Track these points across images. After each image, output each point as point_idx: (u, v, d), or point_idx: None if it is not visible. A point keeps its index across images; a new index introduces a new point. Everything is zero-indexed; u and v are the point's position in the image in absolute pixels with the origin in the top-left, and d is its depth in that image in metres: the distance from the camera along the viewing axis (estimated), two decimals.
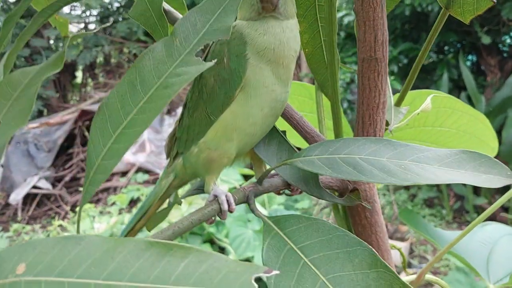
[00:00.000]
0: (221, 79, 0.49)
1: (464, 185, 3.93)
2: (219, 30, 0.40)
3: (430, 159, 0.46)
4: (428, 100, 0.63)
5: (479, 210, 3.78)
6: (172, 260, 0.30)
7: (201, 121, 0.51)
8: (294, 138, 0.64)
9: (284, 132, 0.59)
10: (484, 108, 3.75)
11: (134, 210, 3.37)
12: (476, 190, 3.91)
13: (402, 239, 3.28)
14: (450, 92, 4.04)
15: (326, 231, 0.43)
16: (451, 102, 0.79)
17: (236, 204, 0.51)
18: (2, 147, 0.39)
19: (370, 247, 0.40)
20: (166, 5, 0.66)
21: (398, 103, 0.63)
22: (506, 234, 1.00)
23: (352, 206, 0.61)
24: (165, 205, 0.63)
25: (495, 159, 0.46)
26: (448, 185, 4.08)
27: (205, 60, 0.49)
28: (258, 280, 0.29)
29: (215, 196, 0.50)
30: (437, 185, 4.24)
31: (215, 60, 0.41)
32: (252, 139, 0.53)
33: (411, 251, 3.38)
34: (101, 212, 4.21)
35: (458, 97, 4.07)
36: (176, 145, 0.55)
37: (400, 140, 0.48)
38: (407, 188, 4.38)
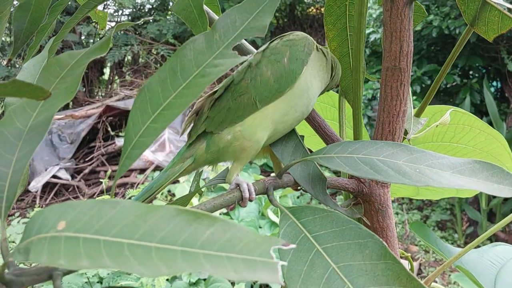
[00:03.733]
0: (278, 75, 0.55)
1: (479, 210, 3.89)
2: (256, 28, 0.44)
3: (444, 166, 0.49)
4: (447, 114, 0.65)
5: (491, 236, 3.73)
6: (199, 227, 0.33)
7: (246, 106, 0.55)
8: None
9: (302, 136, 0.62)
10: (506, 135, 3.71)
11: None
12: (490, 217, 3.86)
13: (412, 259, 3.25)
14: None
15: (340, 222, 0.45)
16: (470, 119, 0.81)
17: (256, 194, 0.54)
18: (50, 117, 0.42)
19: (381, 240, 0.42)
20: (204, 6, 0.70)
21: (418, 114, 0.66)
22: None
23: (365, 210, 0.63)
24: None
25: (507, 171, 0.48)
26: (462, 210, 4.04)
27: (263, 52, 0.57)
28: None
29: (237, 185, 0.53)
30: (451, 209, 4.20)
31: (250, 56, 0.47)
32: (276, 135, 0.58)
33: (419, 272, 3.35)
34: None
35: None
36: (206, 125, 0.58)
37: None
38: (420, 209, 4.34)
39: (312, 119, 0.67)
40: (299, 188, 0.60)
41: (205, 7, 0.71)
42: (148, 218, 0.34)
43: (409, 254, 0.71)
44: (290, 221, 0.47)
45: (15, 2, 0.64)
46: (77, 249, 0.33)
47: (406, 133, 0.62)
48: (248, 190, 0.53)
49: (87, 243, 0.34)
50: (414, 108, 0.69)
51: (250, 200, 0.53)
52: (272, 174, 0.60)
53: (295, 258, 0.44)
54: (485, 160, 0.86)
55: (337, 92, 0.76)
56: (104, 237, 0.34)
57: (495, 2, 0.45)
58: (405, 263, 0.73)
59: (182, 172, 0.60)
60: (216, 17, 0.72)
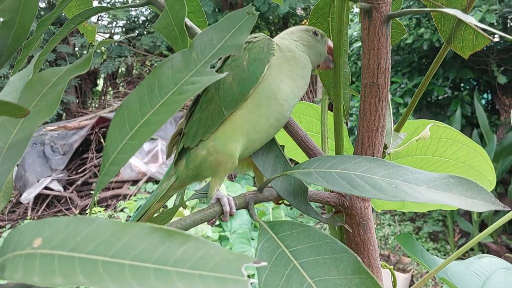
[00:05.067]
0: (239, 78, 0.55)
1: (471, 222, 3.91)
2: (232, 47, 0.45)
3: (420, 181, 0.49)
4: (427, 129, 0.67)
5: (484, 248, 3.74)
6: (172, 245, 0.34)
7: (213, 115, 0.56)
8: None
9: (282, 147, 0.63)
10: (496, 147, 3.75)
11: None
12: (482, 229, 3.87)
13: (403, 271, 3.26)
14: (462, 128, 4.05)
15: (317, 237, 0.46)
16: (452, 133, 0.82)
17: (237, 209, 0.55)
18: (30, 134, 0.43)
19: (355, 254, 0.43)
20: (189, 22, 0.71)
21: (398, 129, 0.67)
22: (501, 268, 1.02)
23: (347, 223, 0.64)
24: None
25: (481, 186, 0.49)
26: (454, 221, 4.05)
27: (224, 61, 0.58)
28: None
29: (218, 199, 0.54)
30: (443, 220, 4.21)
31: (227, 73, 0.48)
32: (253, 146, 0.58)
33: (411, 283, 3.35)
34: (110, 216, 4.25)
35: (471, 134, 4.08)
36: (183, 141, 0.59)
37: None
38: (413, 220, 4.35)
39: (295, 133, 0.68)
40: (280, 202, 0.61)
41: (191, 23, 0.72)
42: (123, 236, 0.35)
43: (391, 267, 0.71)
44: (268, 236, 0.48)
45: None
46: (52, 266, 0.34)
47: (386, 147, 0.63)
48: (229, 204, 0.53)
49: (62, 260, 0.34)
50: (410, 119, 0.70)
51: (231, 215, 0.53)
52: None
53: (272, 273, 0.44)
54: (468, 173, 0.88)
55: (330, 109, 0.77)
56: (79, 254, 0.34)
57: (468, 22, 0.46)
58: (387, 274, 0.74)
59: (168, 189, 0.61)
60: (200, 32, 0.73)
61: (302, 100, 0.72)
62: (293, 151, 0.91)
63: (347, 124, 0.76)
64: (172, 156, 0.64)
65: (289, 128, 0.67)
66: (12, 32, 0.58)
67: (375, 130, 0.59)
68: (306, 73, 0.60)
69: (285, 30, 0.65)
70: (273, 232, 0.48)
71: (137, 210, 0.63)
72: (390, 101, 0.65)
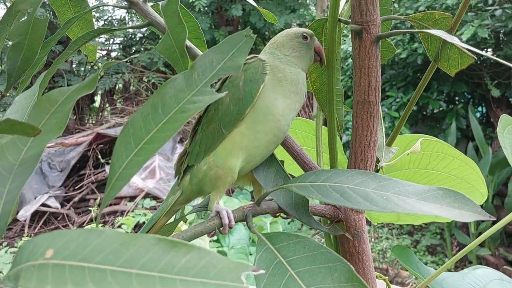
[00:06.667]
0: (235, 98, 0.58)
1: (468, 234, 3.92)
2: (231, 67, 0.48)
3: (410, 193, 0.52)
4: (418, 143, 0.69)
5: (482, 260, 3.75)
6: (176, 254, 0.36)
7: (214, 135, 0.59)
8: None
9: (282, 161, 0.65)
10: (492, 159, 3.78)
11: None
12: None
13: (402, 284, 3.26)
14: (458, 141, 4.08)
15: (312, 248, 0.48)
16: (444, 147, 0.85)
17: (236, 221, 0.57)
18: (40, 152, 0.45)
19: (349, 263, 0.45)
20: (188, 42, 0.74)
21: (389, 143, 0.69)
22: (495, 279, 1.04)
23: (342, 235, 0.66)
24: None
25: (468, 197, 0.52)
26: (451, 234, 4.07)
27: (223, 83, 0.61)
28: None
29: (217, 212, 0.56)
30: (441, 233, 4.23)
31: (226, 92, 0.51)
32: (253, 161, 0.61)
33: None
34: None
35: (466, 147, 4.11)
36: (187, 159, 0.63)
37: None
38: (410, 234, 4.37)
39: (291, 148, 0.71)
40: (277, 215, 0.63)
41: (190, 43, 0.75)
42: (130, 247, 0.37)
43: (387, 277, 0.73)
44: (266, 247, 0.50)
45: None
46: (63, 275, 0.36)
47: (378, 161, 0.66)
48: (228, 217, 0.56)
49: (73, 269, 0.36)
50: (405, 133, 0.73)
51: (230, 227, 0.56)
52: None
53: (269, 282, 0.46)
54: (460, 186, 0.91)
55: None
56: (88, 264, 0.37)
57: (453, 42, 0.49)
58: (382, 284, 0.76)
59: (174, 203, 0.65)
60: (200, 53, 0.76)
61: (299, 115, 0.75)
62: (290, 165, 0.93)
63: (341, 138, 0.79)
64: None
65: (286, 143, 0.70)
66: (21, 55, 0.61)
67: (367, 145, 0.62)
68: (301, 87, 0.62)
69: (275, 39, 0.66)
70: (271, 243, 0.51)
71: (144, 224, 0.66)
72: (382, 116, 0.68)
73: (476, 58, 0.56)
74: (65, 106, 0.52)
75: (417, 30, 0.56)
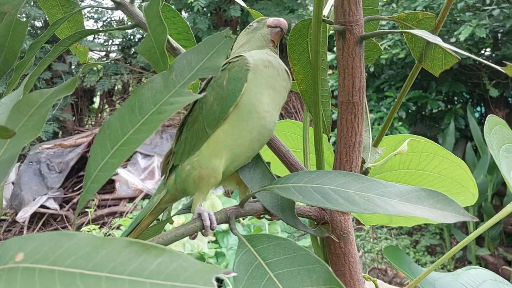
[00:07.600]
0: (219, 97, 0.58)
1: (467, 234, 3.91)
2: (210, 68, 0.47)
3: (392, 194, 0.52)
4: (405, 143, 0.69)
5: (481, 260, 3.74)
6: (147, 257, 0.36)
7: (198, 134, 0.59)
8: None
9: (268, 163, 0.65)
10: (490, 159, 3.77)
11: None
12: (479, 241, 3.88)
13: (401, 285, 3.25)
14: (456, 141, 4.07)
15: (292, 250, 0.48)
16: (434, 147, 0.84)
17: (218, 223, 0.56)
18: (15, 155, 0.45)
19: (327, 265, 0.45)
20: (175, 44, 0.74)
21: (375, 144, 0.69)
22: (489, 279, 1.03)
23: (328, 237, 0.65)
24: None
25: (451, 198, 0.51)
26: (451, 234, 4.06)
27: (208, 82, 0.60)
28: None
29: (199, 214, 0.56)
30: (440, 233, 4.22)
31: (205, 93, 0.50)
32: (238, 160, 0.60)
33: None
34: (105, 234, 4.25)
35: (465, 147, 4.11)
36: (173, 159, 0.62)
37: (385, 180, 0.53)
38: (410, 234, 4.36)
39: (278, 149, 0.70)
40: (262, 216, 0.63)
41: (177, 44, 0.75)
42: (101, 250, 0.37)
43: (376, 279, 0.73)
44: (246, 249, 0.50)
45: None
46: (33, 279, 0.36)
47: (364, 161, 0.65)
48: (210, 219, 0.55)
49: (42, 273, 0.36)
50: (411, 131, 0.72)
51: (212, 229, 0.55)
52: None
53: (248, 285, 0.46)
54: (450, 186, 0.90)
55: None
56: (58, 267, 0.36)
57: (435, 42, 0.49)
58: (371, 286, 0.75)
59: (159, 202, 0.64)
60: None
61: (290, 117, 0.74)
62: (279, 168, 0.93)
63: (329, 139, 0.79)
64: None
65: (272, 145, 0.69)
66: (1, 57, 0.61)
67: (352, 145, 0.61)
68: (281, 73, 0.61)
69: (239, 39, 0.68)
70: (251, 245, 0.50)
71: (130, 223, 0.66)
72: (380, 117, 0.67)
73: (460, 58, 0.56)
74: (43, 108, 0.52)
75: (400, 30, 0.56)
